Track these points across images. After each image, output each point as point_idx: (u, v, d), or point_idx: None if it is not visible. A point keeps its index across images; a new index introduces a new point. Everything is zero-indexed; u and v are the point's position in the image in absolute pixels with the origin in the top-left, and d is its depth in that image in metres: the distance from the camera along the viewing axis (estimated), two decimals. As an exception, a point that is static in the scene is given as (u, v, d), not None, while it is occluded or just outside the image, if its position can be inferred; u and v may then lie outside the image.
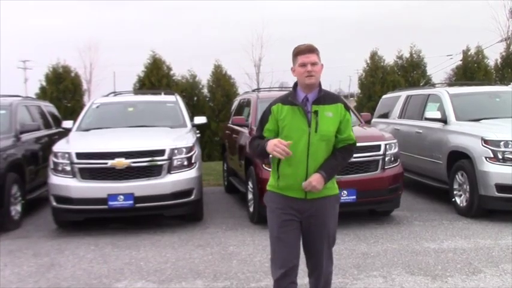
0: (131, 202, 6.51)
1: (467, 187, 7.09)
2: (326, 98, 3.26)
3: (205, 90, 15.98)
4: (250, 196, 7.23)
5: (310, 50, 3.22)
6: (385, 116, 10.46)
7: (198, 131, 8.92)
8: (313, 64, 3.19)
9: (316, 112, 3.20)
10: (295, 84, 3.33)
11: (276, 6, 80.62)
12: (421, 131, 8.69)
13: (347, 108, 3.32)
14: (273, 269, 3.37)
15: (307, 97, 3.25)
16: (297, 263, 3.35)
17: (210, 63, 16.17)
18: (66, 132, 8.19)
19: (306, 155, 3.19)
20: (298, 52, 3.24)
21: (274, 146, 3.07)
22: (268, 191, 3.41)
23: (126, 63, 48.79)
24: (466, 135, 7.33)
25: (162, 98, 9.38)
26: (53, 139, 8.78)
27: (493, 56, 17.27)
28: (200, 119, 8.70)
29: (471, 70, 16.09)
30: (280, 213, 3.30)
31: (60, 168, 6.71)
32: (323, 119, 3.20)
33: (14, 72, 53.95)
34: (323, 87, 3.31)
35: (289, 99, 3.27)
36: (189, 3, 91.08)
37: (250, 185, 7.23)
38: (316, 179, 3.18)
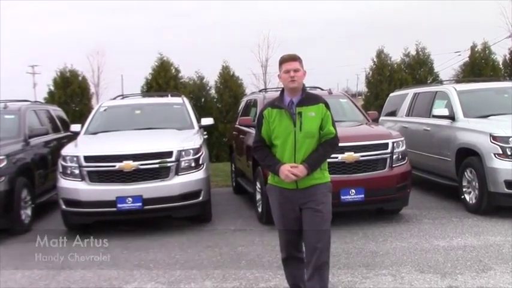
0: (140, 204, 6.54)
1: (476, 184, 7.05)
2: (309, 99, 3.77)
3: (212, 92, 16.00)
4: (258, 196, 7.24)
5: (293, 58, 3.76)
6: (393, 114, 10.42)
7: (205, 132, 8.94)
8: (296, 71, 3.71)
9: (300, 113, 3.70)
10: (282, 90, 3.84)
11: (281, 7, 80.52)
12: (429, 128, 8.66)
13: (327, 107, 3.78)
14: (280, 248, 3.99)
15: (292, 100, 3.74)
16: (296, 241, 3.88)
17: (218, 65, 16.18)
18: (74, 135, 8.23)
19: (293, 150, 3.70)
20: (283, 61, 3.76)
21: (286, 176, 3.64)
22: (268, 184, 3.95)
23: (134, 66, 48.84)
24: (474, 131, 7.29)
25: (169, 100, 9.41)
26: (61, 143, 8.82)
27: (502, 52, 17.10)
28: (207, 121, 8.67)
29: (479, 67, 15.98)
30: (279, 203, 3.85)
31: (68, 171, 6.75)
32: (306, 118, 3.70)
33: (23, 78, 54.25)
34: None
35: (276, 103, 3.77)
36: (195, 7, 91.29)
37: (258, 185, 7.24)
38: (298, 169, 3.66)
